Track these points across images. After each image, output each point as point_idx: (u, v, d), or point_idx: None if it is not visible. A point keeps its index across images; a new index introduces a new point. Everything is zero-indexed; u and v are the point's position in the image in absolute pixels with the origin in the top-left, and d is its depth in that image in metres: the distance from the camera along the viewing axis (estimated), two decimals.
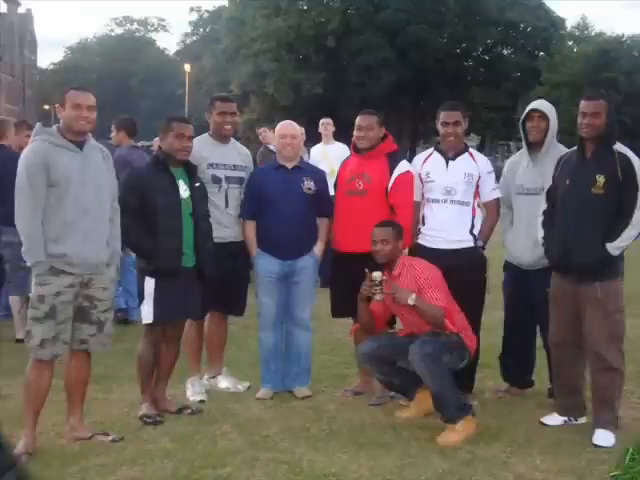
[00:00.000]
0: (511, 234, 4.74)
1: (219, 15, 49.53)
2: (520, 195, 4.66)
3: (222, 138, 4.86)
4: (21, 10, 59.03)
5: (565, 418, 4.29)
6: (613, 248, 3.98)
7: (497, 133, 44.15)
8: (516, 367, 4.85)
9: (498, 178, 4.83)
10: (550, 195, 4.29)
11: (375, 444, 3.98)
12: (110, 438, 3.98)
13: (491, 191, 4.72)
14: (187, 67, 42.25)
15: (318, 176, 4.90)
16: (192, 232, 4.30)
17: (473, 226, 4.64)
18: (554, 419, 4.30)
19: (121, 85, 60.24)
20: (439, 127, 4.72)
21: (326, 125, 8.80)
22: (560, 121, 4.74)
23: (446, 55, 39.64)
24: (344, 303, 4.66)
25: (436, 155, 4.75)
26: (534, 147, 4.62)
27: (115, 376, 5.15)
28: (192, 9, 60.87)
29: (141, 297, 4.31)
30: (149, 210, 4.19)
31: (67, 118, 3.81)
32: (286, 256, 4.72)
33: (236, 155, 4.90)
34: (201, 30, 58.53)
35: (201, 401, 4.64)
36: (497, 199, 4.75)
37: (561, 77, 36.86)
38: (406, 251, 4.59)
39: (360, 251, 4.45)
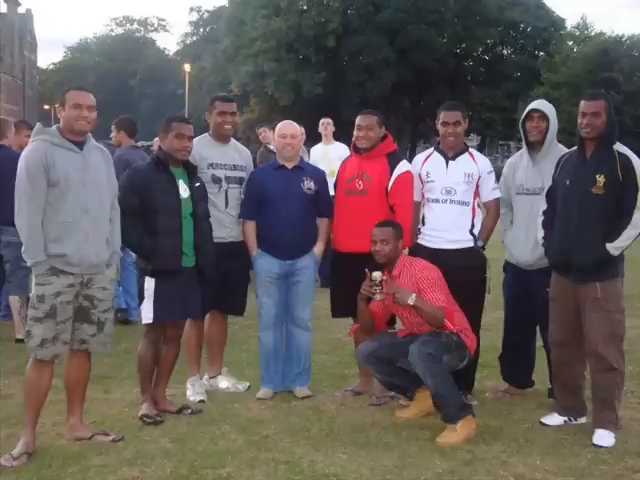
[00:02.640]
0: (511, 234, 4.74)
1: (219, 15, 49.57)
2: (520, 195, 4.66)
3: (222, 138, 4.85)
4: (21, 10, 58.91)
5: (565, 418, 4.29)
6: (613, 248, 3.98)
7: (497, 133, 44.15)
8: (516, 367, 4.84)
9: (498, 178, 4.83)
10: (550, 195, 4.29)
11: (375, 444, 3.98)
12: (110, 438, 3.98)
13: (491, 191, 4.72)
14: (187, 67, 42.19)
15: (318, 176, 4.89)
16: (192, 232, 4.30)
17: (473, 226, 4.64)
18: (554, 419, 4.30)
19: (121, 85, 60.22)
20: (439, 127, 4.71)
21: (326, 125, 8.79)
22: (560, 121, 4.74)
23: (446, 55, 39.65)
24: (344, 303, 4.66)
25: (436, 155, 4.75)
26: (534, 147, 4.61)
27: (115, 376, 5.14)
28: (192, 9, 61.07)
29: (141, 297, 4.31)
30: (149, 210, 4.18)
31: (67, 118, 3.81)
32: (286, 256, 4.72)
33: (236, 155, 4.89)
34: (201, 30, 58.55)
35: (201, 401, 4.63)
36: (497, 199, 4.75)
37: (561, 77, 36.77)
38: (406, 251, 4.59)
39: (360, 251, 4.45)
